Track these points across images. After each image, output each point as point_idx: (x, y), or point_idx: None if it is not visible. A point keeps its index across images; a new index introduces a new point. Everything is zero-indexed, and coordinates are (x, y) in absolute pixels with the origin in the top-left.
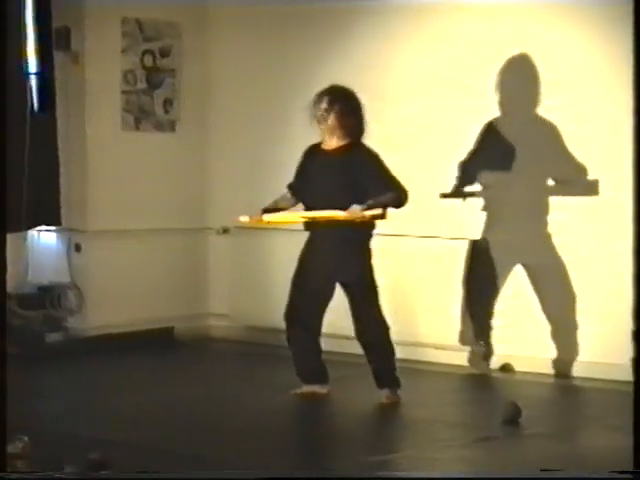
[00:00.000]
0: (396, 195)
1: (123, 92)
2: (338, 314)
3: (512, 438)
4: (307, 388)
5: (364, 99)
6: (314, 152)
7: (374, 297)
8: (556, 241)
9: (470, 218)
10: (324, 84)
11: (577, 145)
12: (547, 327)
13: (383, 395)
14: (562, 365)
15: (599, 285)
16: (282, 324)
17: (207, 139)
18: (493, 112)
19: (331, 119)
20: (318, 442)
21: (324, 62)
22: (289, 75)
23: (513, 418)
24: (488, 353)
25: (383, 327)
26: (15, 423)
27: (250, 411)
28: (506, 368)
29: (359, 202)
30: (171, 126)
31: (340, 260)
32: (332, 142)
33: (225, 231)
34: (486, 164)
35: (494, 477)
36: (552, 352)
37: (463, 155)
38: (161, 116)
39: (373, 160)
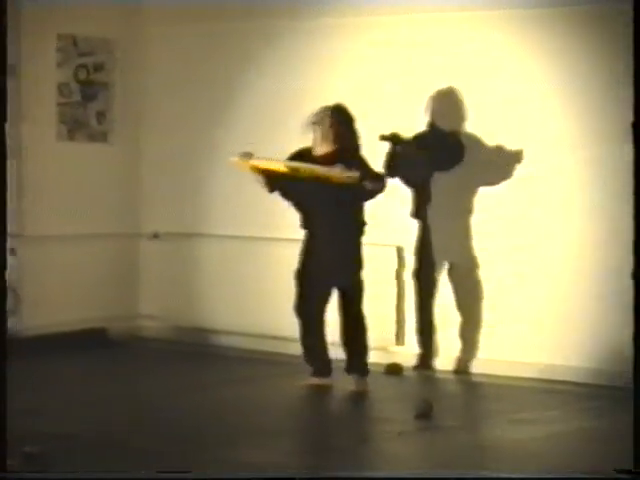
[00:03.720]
0: (384, 183)
1: (58, 104)
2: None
3: (424, 431)
4: (317, 380)
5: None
6: (305, 158)
7: (361, 297)
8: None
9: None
10: (253, 98)
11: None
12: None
13: (353, 381)
14: (465, 362)
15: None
16: (208, 324)
17: (138, 149)
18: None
19: (330, 135)
20: (241, 436)
21: (252, 77)
22: (217, 90)
23: (425, 413)
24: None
25: (364, 323)
26: None
27: (177, 406)
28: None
29: (349, 200)
30: (104, 137)
31: (338, 265)
32: (322, 150)
33: (155, 236)
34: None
35: (492, 477)
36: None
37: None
38: (94, 127)
39: (360, 159)
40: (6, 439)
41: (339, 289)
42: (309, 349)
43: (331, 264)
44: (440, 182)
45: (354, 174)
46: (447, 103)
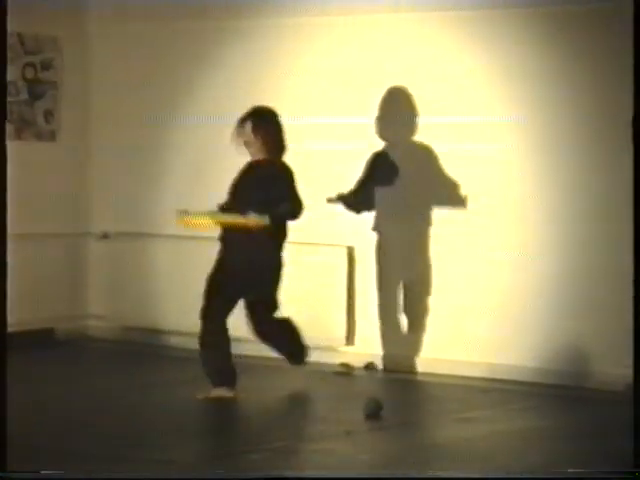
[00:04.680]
0: (290, 207)
1: (5, 103)
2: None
3: (373, 431)
4: (215, 392)
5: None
6: (246, 166)
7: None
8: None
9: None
10: (202, 97)
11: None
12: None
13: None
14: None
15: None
16: (157, 324)
17: (87, 148)
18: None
19: (258, 140)
20: (190, 435)
21: (201, 74)
22: (164, 88)
23: (375, 412)
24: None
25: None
26: None
27: (122, 407)
28: (370, 367)
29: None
30: (52, 136)
31: (249, 277)
32: (258, 157)
33: (105, 236)
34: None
35: (492, 477)
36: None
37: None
38: (42, 126)
39: (287, 175)
40: (6, 439)
41: (253, 300)
42: (211, 360)
43: (239, 271)
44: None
45: (264, 221)
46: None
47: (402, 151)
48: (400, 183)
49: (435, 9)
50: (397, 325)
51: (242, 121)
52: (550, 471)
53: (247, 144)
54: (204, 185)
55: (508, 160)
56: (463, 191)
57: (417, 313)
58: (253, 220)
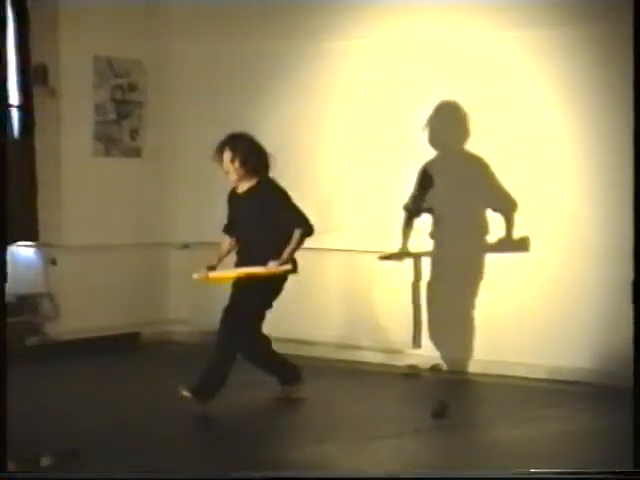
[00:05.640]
0: (303, 232)
1: (95, 122)
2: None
3: (439, 429)
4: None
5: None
6: (233, 196)
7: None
8: None
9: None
10: (281, 117)
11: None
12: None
13: (289, 389)
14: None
15: None
16: None
17: (169, 164)
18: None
19: (236, 167)
20: (268, 433)
21: (280, 95)
22: (242, 107)
23: (441, 412)
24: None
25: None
26: None
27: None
28: (435, 368)
29: (276, 236)
30: (137, 152)
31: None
32: (243, 186)
33: (186, 246)
34: (428, 200)
35: (494, 477)
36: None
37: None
38: (128, 143)
39: (280, 197)
40: (6, 440)
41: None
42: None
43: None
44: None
45: (287, 267)
46: (446, 120)
47: (455, 160)
48: (454, 191)
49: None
50: (460, 328)
51: (219, 152)
52: (550, 471)
53: (229, 174)
54: None
55: (562, 161)
56: (516, 195)
57: (478, 317)
58: (276, 269)
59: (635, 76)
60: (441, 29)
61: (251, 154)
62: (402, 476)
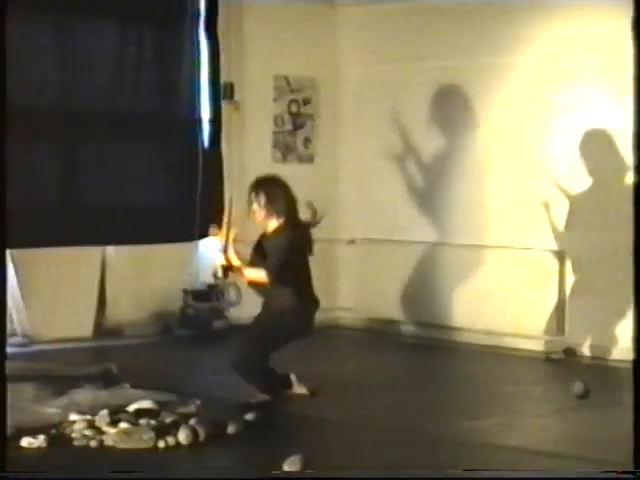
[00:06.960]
0: (266, 274)
1: (274, 133)
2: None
3: (583, 409)
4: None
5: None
6: (261, 237)
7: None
8: None
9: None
10: (436, 126)
11: None
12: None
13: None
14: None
15: None
16: (397, 315)
17: (338, 169)
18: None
19: (260, 212)
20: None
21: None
22: (406, 119)
23: (583, 393)
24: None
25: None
26: (187, 389)
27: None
28: (568, 352)
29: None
30: (310, 159)
31: None
32: (267, 227)
33: (352, 242)
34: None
35: (495, 477)
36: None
37: None
38: (302, 151)
39: (281, 243)
40: (6, 440)
41: None
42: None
43: None
44: None
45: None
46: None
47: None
48: (592, 190)
49: None
50: (602, 316)
51: (253, 197)
52: (550, 471)
53: (255, 214)
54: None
55: None
56: None
57: (617, 305)
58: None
59: (635, 76)
60: None
61: (274, 197)
62: (402, 476)
